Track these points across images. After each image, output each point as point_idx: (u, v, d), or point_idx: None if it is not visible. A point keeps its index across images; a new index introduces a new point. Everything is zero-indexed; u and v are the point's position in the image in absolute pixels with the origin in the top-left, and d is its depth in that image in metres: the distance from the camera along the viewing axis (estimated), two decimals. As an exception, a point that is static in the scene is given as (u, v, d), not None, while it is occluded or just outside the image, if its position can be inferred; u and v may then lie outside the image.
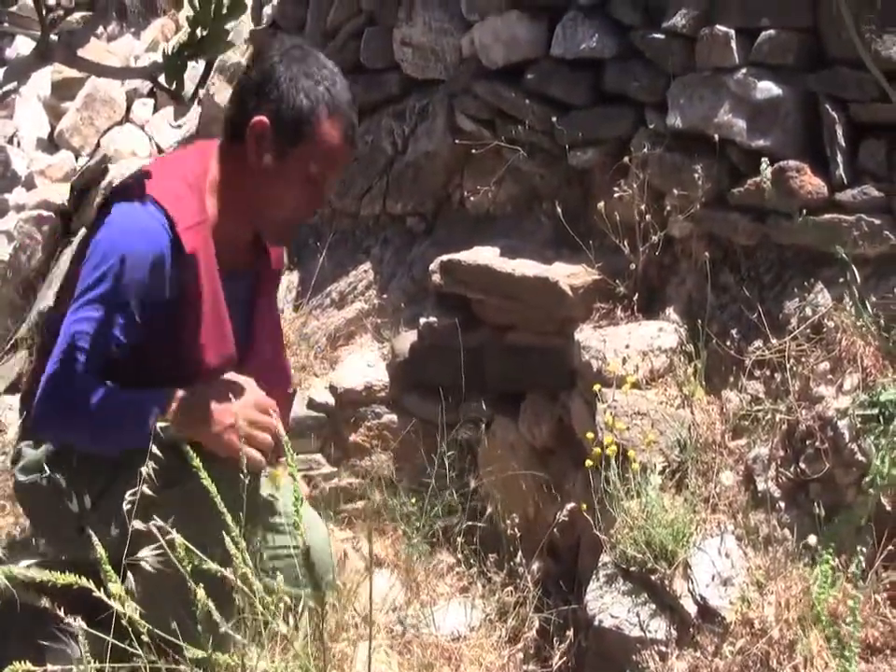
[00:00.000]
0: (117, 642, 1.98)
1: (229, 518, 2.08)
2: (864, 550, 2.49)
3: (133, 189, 2.54)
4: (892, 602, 2.50)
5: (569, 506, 3.35)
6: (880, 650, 2.45)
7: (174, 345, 2.54)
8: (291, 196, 2.59)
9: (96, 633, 1.93)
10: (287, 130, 2.52)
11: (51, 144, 5.92)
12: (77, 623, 1.89)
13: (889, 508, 2.58)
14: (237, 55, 5.28)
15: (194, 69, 5.55)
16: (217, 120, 5.34)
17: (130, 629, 1.94)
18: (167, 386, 2.42)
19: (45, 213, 5.51)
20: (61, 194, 5.55)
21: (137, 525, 2.05)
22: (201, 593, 1.93)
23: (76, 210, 5.50)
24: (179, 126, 5.68)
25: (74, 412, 2.39)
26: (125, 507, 2.09)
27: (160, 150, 5.63)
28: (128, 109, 5.84)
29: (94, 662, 1.94)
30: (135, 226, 2.47)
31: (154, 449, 2.23)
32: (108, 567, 1.93)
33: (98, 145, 5.75)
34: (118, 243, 2.45)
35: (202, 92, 5.53)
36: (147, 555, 2.05)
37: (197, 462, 2.08)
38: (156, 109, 5.86)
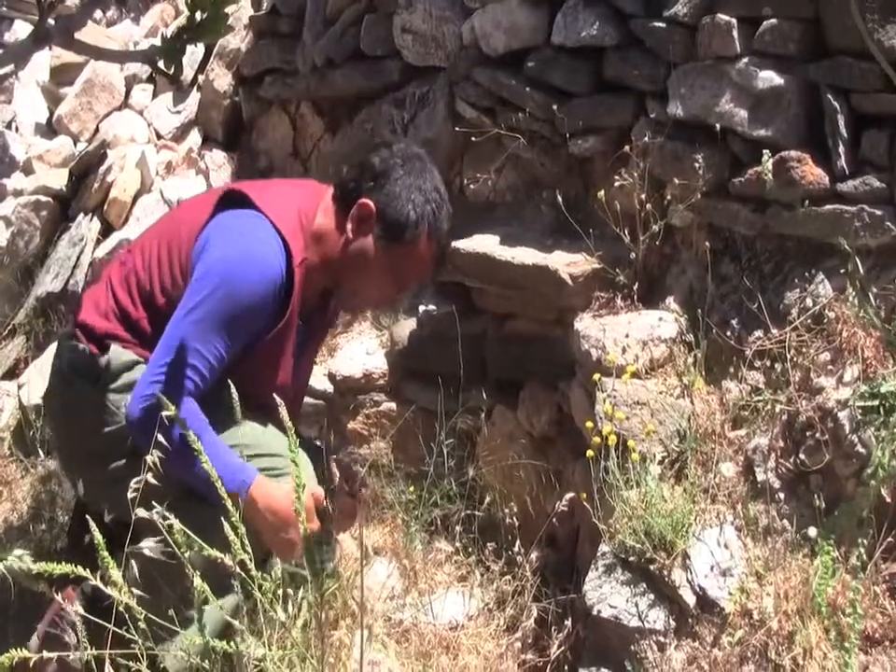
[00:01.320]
0: (116, 629, 1.98)
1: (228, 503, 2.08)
2: (864, 541, 2.49)
3: (261, 202, 2.70)
4: (891, 594, 2.50)
5: (568, 496, 3.35)
6: (879, 641, 2.45)
7: (247, 365, 2.67)
8: (369, 283, 2.81)
9: (95, 619, 1.94)
10: (388, 228, 2.74)
11: (50, 129, 5.90)
12: (75, 609, 1.90)
13: (889, 499, 2.58)
14: (237, 40, 5.26)
15: (193, 54, 5.53)
16: (215, 106, 5.35)
17: (127, 615, 1.94)
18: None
19: (43, 198, 5.50)
20: (59, 179, 5.55)
21: (141, 513, 2.05)
22: (197, 580, 1.93)
23: (74, 195, 5.49)
24: (178, 112, 5.66)
25: (168, 436, 2.35)
26: (130, 495, 2.10)
27: (158, 136, 5.61)
28: (127, 95, 5.82)
29: (92, 648, 1.94)
30: (261, 251, 2.62)
31: (160, 438, 2.24)
32: (106, 554, 1.93)
33: (97, 130, 5.73)
34: (244, 266, 2.59)
35: (201, 78, 5.52)
36: (149, 545, 2.05)
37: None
38: (155, 95, 5.83)
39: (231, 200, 2.72)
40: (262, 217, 2.66)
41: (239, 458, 2.56)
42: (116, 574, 1.94)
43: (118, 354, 2.71)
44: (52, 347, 4.53)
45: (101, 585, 1.92)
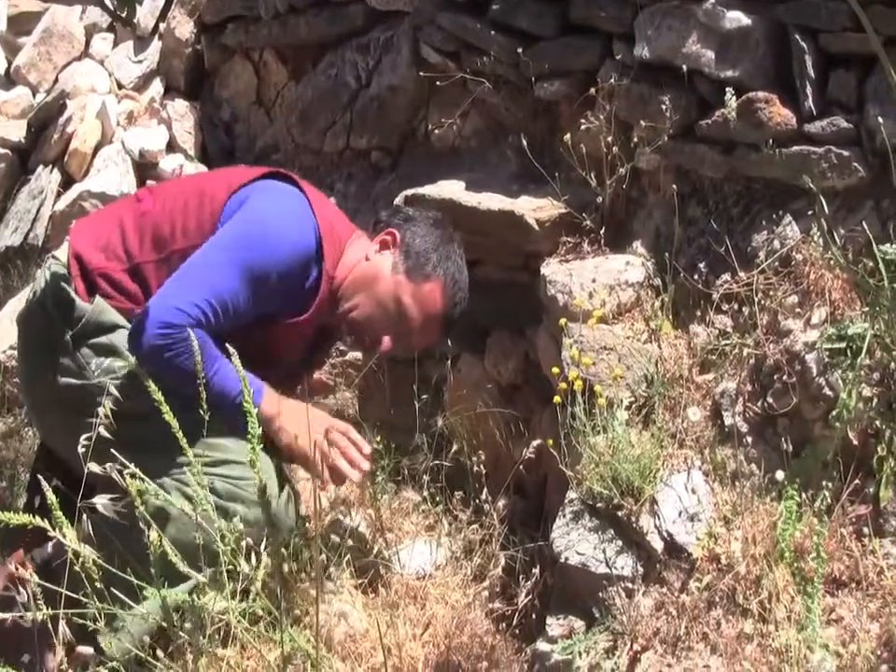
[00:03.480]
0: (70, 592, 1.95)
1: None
2: (830, 484, 2.48)
3: (308, 193, 2.84)
4: (858, 536, 2.50)
5: (536, 443, 3.33)
6: (846, 584, 2.45)
7: (263, 333, 2.74)
8: (371, 311, 2.87)
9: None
10: (407, 257, 2.88)
11: (7, 80, 5.77)
12: (28, 572, 1.87)
13: (855, 442, 2.57)
14: (198, -13, 5.17)
15: (155, 2, 5.43)
16: (177, 54, 5.26)
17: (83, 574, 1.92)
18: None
19: (1, 150, 5.40)
20: (17, 131, 5.44)
21: (93, 467, 2.02)
22: (153, 534, 1.90)
23: (33, 147, 5.40)
24: (140, 61, 5.56)
25: (182, 360, 2.50)
26: (80, 450, 2.07)
27: (119, 86, 5.51)
28: (87, 44, 5.70)
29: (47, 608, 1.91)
30: (301, 222, 2.73)
31: (112, 389, 2.21)
32: (60, 514, 1.90)
33: (56, 80, 5.61)
34: (285, 223, 2.69)
35: (162, 26, 5.42)
36: (102, 501, 2.02)
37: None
38: (116, 44, 5.73)
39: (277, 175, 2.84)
40: (306, 202, 2.77)
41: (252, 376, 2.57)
42: (70, 533, 1.91)
43: (100, 311, 2.68)
44: (12, 302, 4.49)
45: (60, 537, 1.89)
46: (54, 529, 1.88)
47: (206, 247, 2.63)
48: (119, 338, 2.64)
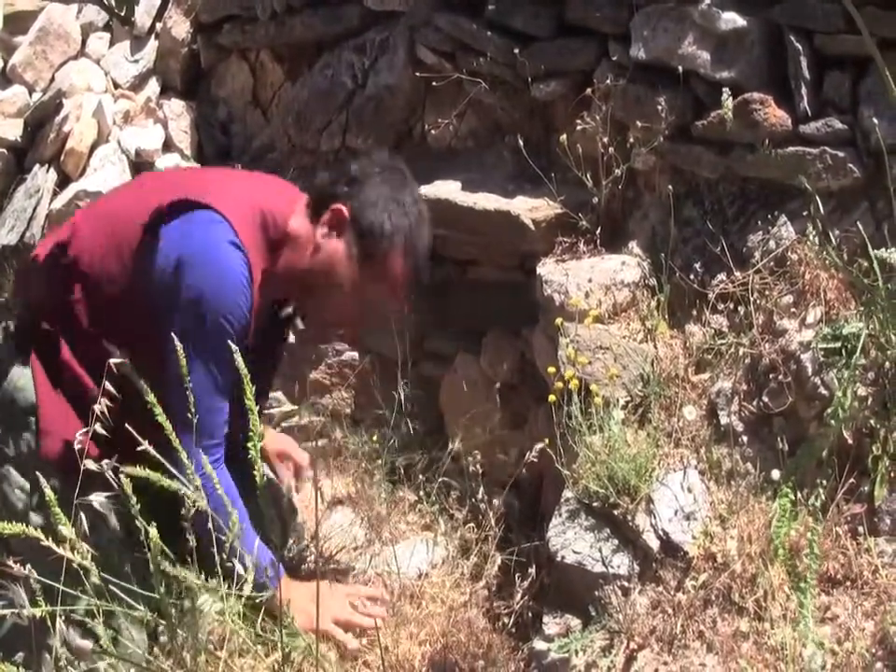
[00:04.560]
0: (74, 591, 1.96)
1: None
2: (825, 483, 2.49)
3: (221, 202, 2.53)
4: (853, 535, 2.51)
5: (538, 446, 3.34)
6: (840, 582, 2.46)
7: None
8: (334, 301, 2.67)
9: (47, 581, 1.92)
10: (362, 236, 2.61)
11: (4, 79, 5.76)
12: (27, 570, 1.87)
13: (850, 441, 2.58)
14: (194, -13, 5.17)
15: (151, 1, 5.43)
16: (173, 54, 5.26)
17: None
18: None
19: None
20: (14, 130, 5.44)
21: (90, 465, 2.02)
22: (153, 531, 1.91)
23: (30, 146, 5.39)
24: (136, 60, 5.56)
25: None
26: (76, 446, 2.07)
27: (116, 85, 5.50)
28: (83, 43, 5.69)
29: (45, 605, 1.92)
30: (233, 273, 2.46)
31: (108, 385, 2.20)
32: (58, 510, 1.90)
33: (52, 79, 5.61)
34: (225, 292, 2.45)
35: (159, 26, 5.42)
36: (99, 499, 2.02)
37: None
38: (112, 43, 5.72)
39: (186, 203, 2.55)
40: (223, 223, 2.50)
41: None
42: (66, 529, 1.91)
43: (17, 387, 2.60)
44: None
45: (53, 546, 1.89)
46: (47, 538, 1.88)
47: (178, 373, 2.23)
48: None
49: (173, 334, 2.19)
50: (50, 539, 1.86)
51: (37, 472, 2.10)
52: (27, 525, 1.86)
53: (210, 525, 2.13)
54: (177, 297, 2.44)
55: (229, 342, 2.19)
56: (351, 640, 2.63)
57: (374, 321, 2.78)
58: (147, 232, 2.52)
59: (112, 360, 2.11)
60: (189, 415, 2.19)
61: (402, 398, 3.64)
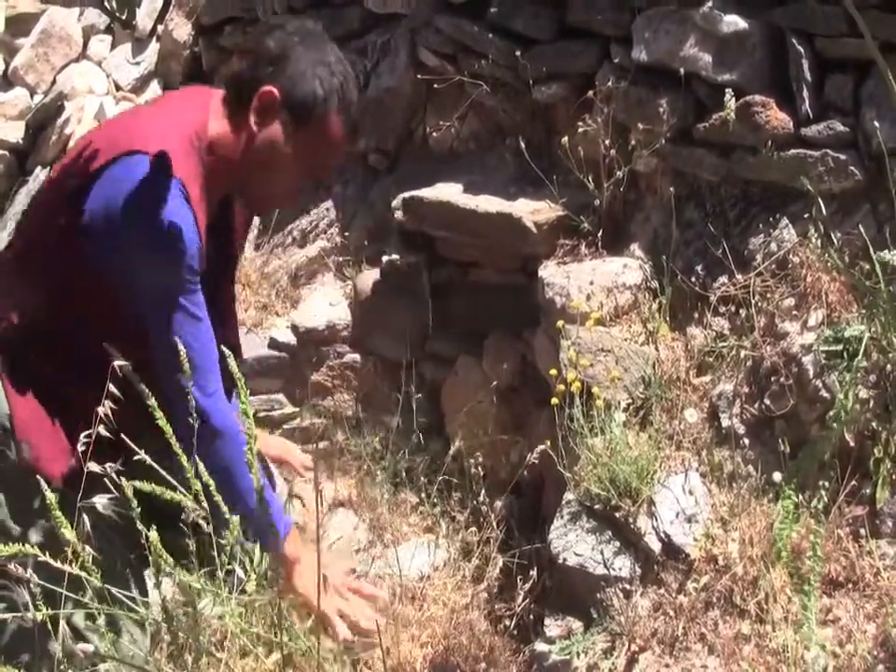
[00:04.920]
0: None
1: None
2: (827, 485, 2.49)
3: (150, 143, 2.37)
4: (855, 537, 2.51)
5: (539, 448, 3.34)
6: (842, 584, 2.46)
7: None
8: (283, 175, 2.55)
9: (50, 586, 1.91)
10: (296, 110, 2.46)
11: (5, 81, 5.77)
12: (28, 573, 1.87)
13: (852, 443, 2.58)
14: (195, -11, 5.18)
15: (153, 3, 5.44)
16: (175, 56, 5.27)
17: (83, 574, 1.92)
18: None
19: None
20: (16, 132, 5.45)
21: (93, 466, 2.01)
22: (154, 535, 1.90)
23: (31, 148, 5.41)
24: (138, 63, 5.57)
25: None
26: (80, 448, 2.06)
27: (117, 88, 5.52)
28: (85, 46, 5.71)
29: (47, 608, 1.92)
30: (176, 208, 2.33)
31: (112, 387, 2.19)
32: (59, 514, 1.90)
33: (54, 82, 5.63)
34: (174, 227, 2.31)
35: (160, 28, 5.43)
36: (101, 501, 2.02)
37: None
38: (114, 46, 5.74)
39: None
40: (146, 160, 2.35)
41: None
42: (69, 533, 1.91)
43: None
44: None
45: (51, 561, 1.89)
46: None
47: (158, 323, 2.30)
48: None
49: (144, 297, 2.25)
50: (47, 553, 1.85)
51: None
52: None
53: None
54: (129, 253, 2.33)
55: (194, 274, 2.27)
56: (346, 631, 2.59)
57: (319, 176, 2.78)
58: (73, 202, 2.37)
59: (116, 363, 2.10)
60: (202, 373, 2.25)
61: (404, 400, 3.64)
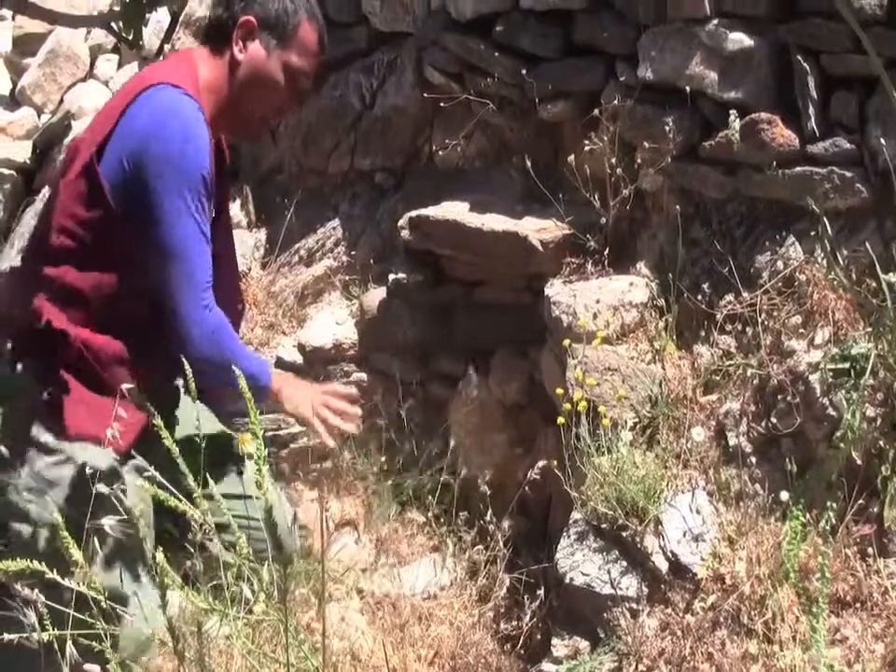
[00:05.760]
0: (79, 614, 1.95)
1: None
2: (835, 505, 2.48)
3: (167, 77, 2.63)
4: (862, 556, 2.50)
5: (540, 463, 3.33)
6: (850, 603, 2.45)
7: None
8: (274, 91, 2.78)
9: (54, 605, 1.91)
10: (273, 28, 2.74)
11: (13, 101, 5.80)
12: (35, 594, 1.86)
13: (859, 462, 2.57)
14: (203, 8, 5.18)
15: (159, 23, 5.46)
16: (182, 76, 5.28)
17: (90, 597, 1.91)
18: None
19: (6, 171, 5.41)
20: (23, 152, 5.47)
21: (101, 488, 2.02)
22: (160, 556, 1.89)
23: (38, 168, 5.42)
24: (145, 82, 5.59)
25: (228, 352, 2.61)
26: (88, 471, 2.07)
27: (125, 107, 5.54)
28: (92, 65, 5.74)
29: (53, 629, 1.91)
30: (196, 121, 2.58)
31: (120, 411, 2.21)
32: (66, 534, 1.89)
33: (61, 101, 5.64)
34: (190, 134, 2.56)
35: (167, 47, 5.44)
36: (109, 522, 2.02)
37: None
38: (121, 65, 5.75)
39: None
40: (168, 87, 2.61)
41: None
42: (77, 554, 1.90)
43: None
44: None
45: (58, 578, 1.88)
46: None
47: (163, 220, 2.54)
48: None
49: (158, 199, 2.49)
50: (55, 570, 1.85)
51: None
52: None
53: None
54: (151, 159, 2.53)
55: (207, 193, 2.55)
56: (329, 439, 2.74)
57: (302, 86, 2.92)
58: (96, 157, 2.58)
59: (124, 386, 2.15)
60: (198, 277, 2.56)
61: (410, 418, 3.64)
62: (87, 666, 2.09)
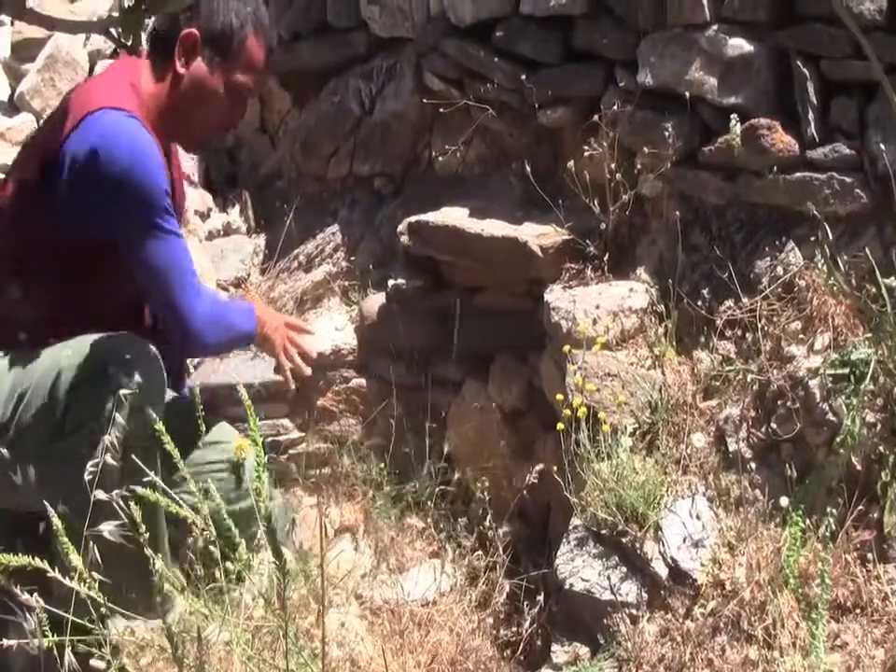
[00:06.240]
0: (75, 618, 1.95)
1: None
2: (835, 511, 2.48)
3: (111, 99, 2.62)
4: (862, 562, 2.50)
5: (540, 469, 3.33)
6: (850, 609, 2.45)
7: None
8: (216, 107, 2.79)
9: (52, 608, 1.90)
10: (217, 43, 2.72)
11: (11, 106, 5.78)
12: (34, 598, 1.86)
13: (859, 467, 2.57)
14: (201, 15, 5.19)
15: (157, 29, 5.46)
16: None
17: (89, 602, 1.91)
18: None
19: (4, 176, 5.40)
20: (22, 158, 5.46)
21: (100, 495, 2.01)
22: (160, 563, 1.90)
23: (38, 173, 5.41)
24: (144, 87, 5.59)
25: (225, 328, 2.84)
26: (87, 477, 2.06)
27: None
28: (91, 71, 5.72)
29: (53, 634, 1.91)
30: (144, 142, 2.60)
31: (118, 417, 2.21)
32: (66, 540, 1.89)
33: (60, 107, 5.65)
34: (141, 157, 2.57)
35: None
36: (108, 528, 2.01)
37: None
38: (120, 71, 5.76)
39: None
40: (112, 110, 2.60)
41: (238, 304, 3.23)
42: (76, 559, 1.90)
43: None
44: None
45: (59, 577, 1.88)
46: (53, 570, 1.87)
47: (133, 244, 2.61)
48: None
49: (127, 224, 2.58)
50: (57, 569, 1.84)
51: None
52: None
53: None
54: (106, 190, 2.55)
55: (168, 196, 2.59)
56: (290, 380, 3.05)
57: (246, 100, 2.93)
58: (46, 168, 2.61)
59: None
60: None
61: (409, 424, 3.63)
62: (92, 662, 2.09)
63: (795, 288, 2.92)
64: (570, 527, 2.89)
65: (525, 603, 3.11)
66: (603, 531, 2.80)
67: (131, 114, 2.59)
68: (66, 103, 2.73)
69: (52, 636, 1.89)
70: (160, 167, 2.61)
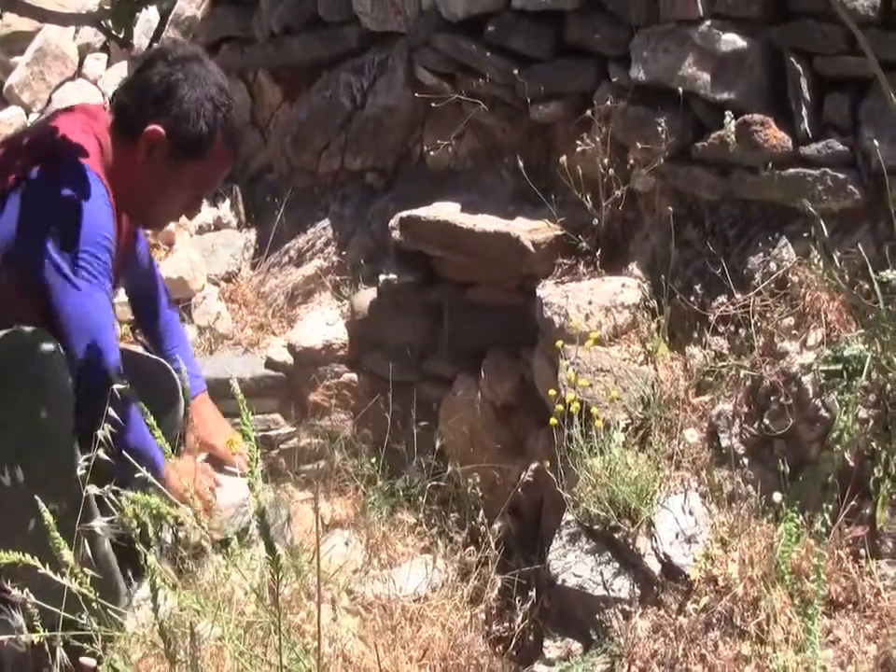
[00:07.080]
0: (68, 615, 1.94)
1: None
2: (828, 506, 2.48)
3: (76, 151, 2.59)
4: (855, 557, 2.50)
5: (534, 465, 3.32)
6: (842, 605, 2.45)
7: None
8: (173, 201, 2.79)
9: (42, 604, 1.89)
10: (183, 147, 2.67)
11: (0, 99, 5.78)
12: (24, 594, 1.85)
13: (852, 463, 2.57)
14: (192, 7, 5.17)
15: (148, 22, 5.44)
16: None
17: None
18: None
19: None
20: (12, 151, 5.44)
21: (92, 489, 2.01)
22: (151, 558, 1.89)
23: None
24: (134, 81, 5.57)
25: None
26: (79, 472, 2.05)
27: (114, 106, 5.53)
28: (80, 64, 5.72)
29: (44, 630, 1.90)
30: (98, 195, 2.54)
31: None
32: (58, 536, 1.88)
33: (49, 100, 5.62)
34: (95, 216, 2.53)
35: (156, 47, 5.43)
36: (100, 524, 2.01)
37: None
38: (109, 64, 5.73)
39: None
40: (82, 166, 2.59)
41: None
42: (68, 555, 1.89)
43: None
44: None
45: (50, 574, 1.87)
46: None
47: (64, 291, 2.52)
48: None
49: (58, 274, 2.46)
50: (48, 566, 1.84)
51: None
52: None
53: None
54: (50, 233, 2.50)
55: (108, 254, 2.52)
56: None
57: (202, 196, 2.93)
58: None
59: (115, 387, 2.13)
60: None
61: (401, 419, 3.63)
62: (83, 660, 2.09)
63: (788, 284, 2.92)
64: (563, 523, 2.89)
65: (518, 598, 3.10)
66: (595, 527, 2.80)
67: (94, 172, 2.58)
68: (32, 137, 2.71)
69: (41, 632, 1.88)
70: (106, 215, 2.58)
